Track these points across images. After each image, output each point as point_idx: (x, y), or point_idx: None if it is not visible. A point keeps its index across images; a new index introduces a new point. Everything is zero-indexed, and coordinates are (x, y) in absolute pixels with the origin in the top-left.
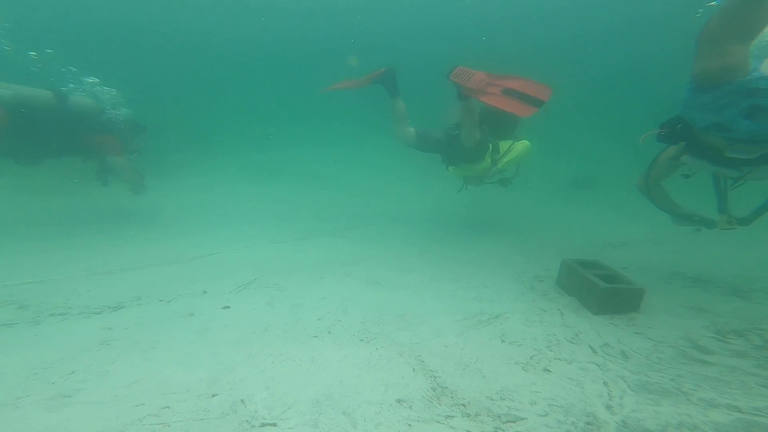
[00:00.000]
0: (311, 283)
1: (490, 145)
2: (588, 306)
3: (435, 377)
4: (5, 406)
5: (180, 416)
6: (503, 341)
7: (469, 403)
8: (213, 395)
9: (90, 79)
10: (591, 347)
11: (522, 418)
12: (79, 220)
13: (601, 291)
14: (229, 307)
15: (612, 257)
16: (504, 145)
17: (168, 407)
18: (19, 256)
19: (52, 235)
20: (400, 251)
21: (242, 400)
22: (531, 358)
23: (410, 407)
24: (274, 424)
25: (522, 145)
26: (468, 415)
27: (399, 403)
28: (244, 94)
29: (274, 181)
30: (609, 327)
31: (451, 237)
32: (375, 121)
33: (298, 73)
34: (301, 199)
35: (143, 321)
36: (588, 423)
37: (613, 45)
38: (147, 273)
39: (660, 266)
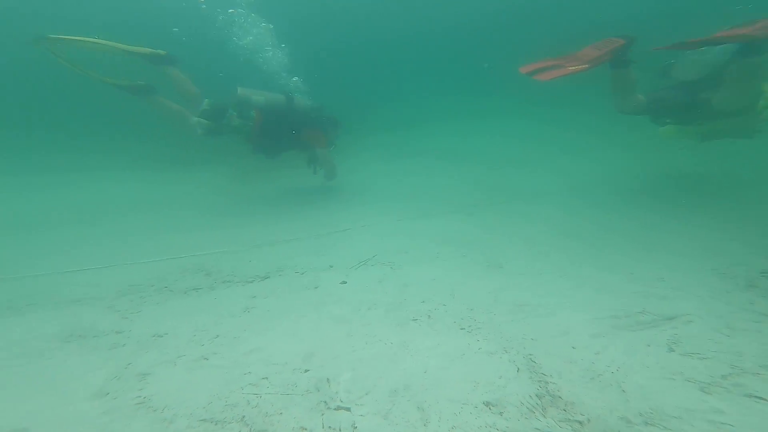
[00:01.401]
0: (425, 263)
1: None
2: None
3: (546, 382)
4: (167, 363)
5: (272, 388)
6: (671, 350)
7: (588, 420)
8: (305, 371)
9: (263, 24)
10: None
11: None
12: (263, 200)
13: None
14: (346, 282)
15: None
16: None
17: (266, 378)
18: (219, 229)
19: (243, 212)
20: (535, 233)
21: (328, 379)
22: (722, 377)
23: (500, 413)
24: (348, 409)
25: None
26: None
27: (487, 406)
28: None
29: (410, 158)
30: None
31: (613, 219)
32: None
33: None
34: (434, 174)
35: (279, 291)
36: None
37: None
38: (294, 245)
39: None
